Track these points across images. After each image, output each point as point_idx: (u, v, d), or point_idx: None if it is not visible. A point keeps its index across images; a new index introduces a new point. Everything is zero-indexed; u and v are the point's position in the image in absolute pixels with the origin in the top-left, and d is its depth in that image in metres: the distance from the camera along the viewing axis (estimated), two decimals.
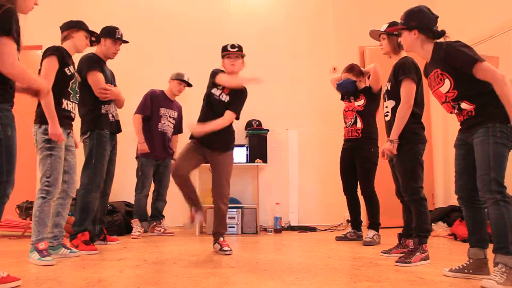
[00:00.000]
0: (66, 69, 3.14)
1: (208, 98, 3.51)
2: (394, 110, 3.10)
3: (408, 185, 3.01)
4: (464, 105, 2.42)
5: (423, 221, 2.97)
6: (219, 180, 3.42)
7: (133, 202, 4.85)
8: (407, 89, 3.01)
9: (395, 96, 3.09)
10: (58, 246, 3.18)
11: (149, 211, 4.64)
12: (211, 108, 3.47)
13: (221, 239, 3.45)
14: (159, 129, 4.61)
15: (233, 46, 3.50)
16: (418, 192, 2.99)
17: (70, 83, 3.17)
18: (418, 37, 2.58)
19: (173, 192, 4.85)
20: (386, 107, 3.22)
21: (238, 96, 3.48)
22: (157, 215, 4.64)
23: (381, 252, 3.29)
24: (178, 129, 4.85)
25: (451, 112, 2.54)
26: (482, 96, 2.36)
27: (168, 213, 4.80)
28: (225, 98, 3.47)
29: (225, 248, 3.36)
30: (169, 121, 4.70)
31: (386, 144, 3.03)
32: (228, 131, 3.52)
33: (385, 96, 3.25)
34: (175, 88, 4.71)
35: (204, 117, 3.47)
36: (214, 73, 3.47)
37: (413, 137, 3.01)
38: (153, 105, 4.61)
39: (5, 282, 2.26)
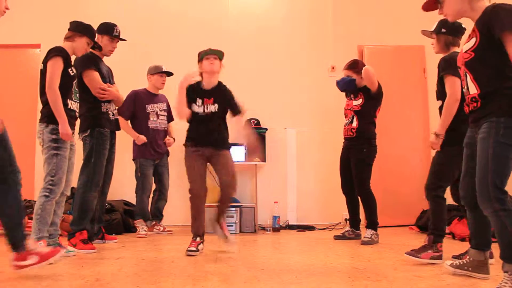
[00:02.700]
0: (69, 70, 3.14)
1: (194, 119, 3.44)
2: (441, 110, 3.00)
3: (436, 182, 2.97)
4: (470, 84, 2.24)
5: (439, 219, 2.97)
6: (227, 173, 3.38)
7: (131, 201, 4.85)
8: (451, 83, 2.87)
9: (442, 96, 2.97)
10: (54, 245, 3.12)
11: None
12: (206, 124, 3.42)
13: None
14: (150, 127, 4.53)
15: (211, 51, 3.48)
16: (439, 188, 2.98)
17: (74, 83, 3.19)
18: None
19: (173, 191, 4.86)
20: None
21: (226, 97, 3.46)
22: (158, 215, 4.63)
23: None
24: (170, 118, 4.76)
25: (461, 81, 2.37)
26: (491, 81, 2.16)
27: (166, 212, 4.80)
28: (212, 108, 3.42)
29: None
30: (159, 115, 4.61)
31: (431, 136, 2.91)
32: (221, 130, 3.48)
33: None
34: (158, 82, 4.62)
35: (199, 134, 3.42)
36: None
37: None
38: (137, 105, 4.50)
39: (53, 254, 2.54)
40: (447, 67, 2.90)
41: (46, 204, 2.97)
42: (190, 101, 3.43)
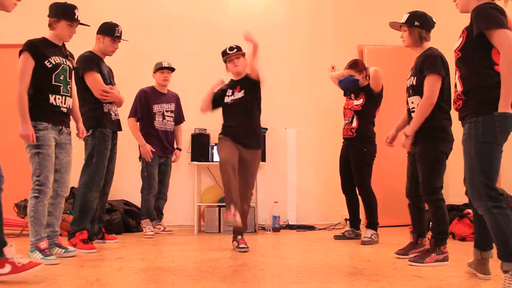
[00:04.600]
0: (45, 62, 2.99)
1: (226, 109, 3.61)
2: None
3: (427, 184, 2.88)
4: (457, 82, 2.31)
5: (441, 223, 2.88)
6: (247, 182, 3.50)
7: (131, 201, 4.85)
8: (431, 84, 2.77)
9: (421, 91, 2.85)
10: (52, 246, 3.12)
11: None
12: (235, 112, 3.55)
13: (239, 237, 3.52)
14: (156, 127, 4.54)
15: (231, 48, 3.57)
16: (436, 192, 2.89)
17: (53, 75, 3.01)
18: None
19: (173, 190, 4.86)
20: (412, 102, 2.97)
21: (251, 83, 3.58)
22: (158, 214, 4.63)
23: (396, 253, 3.14)
24: (178, 119, 4.77)
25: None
26: (472, 79, 2.21)
27: (167, 212, 4.80)
28: (239, 94, 3.55)
29: (241, 245, 3.43)
30: (165, 116, 4.62)
31: (402, 138, 2.86)
32: (259, 126, 3.66)
33: (409, 91, 3.00)
34: (160, 79, 4.60)
35: (234, 123, 3.53)
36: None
37: (440, 135, 2.83)
38: (145, 104, 4.52)
39: (29, 267, 2.37)
40: (436, 65, 2.80)
41: (37, 206, 2.92)
42: (224, 95, 3.60)
